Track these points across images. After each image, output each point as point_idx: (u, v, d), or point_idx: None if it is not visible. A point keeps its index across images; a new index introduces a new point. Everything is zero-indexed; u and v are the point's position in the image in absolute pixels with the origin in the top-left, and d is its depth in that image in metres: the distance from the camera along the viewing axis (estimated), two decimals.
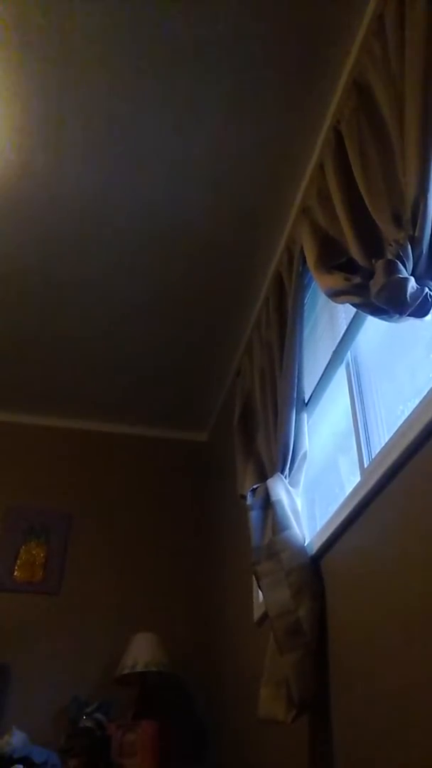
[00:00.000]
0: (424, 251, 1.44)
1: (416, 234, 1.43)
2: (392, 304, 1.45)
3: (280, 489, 2.10)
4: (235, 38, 2.07)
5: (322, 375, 2.27)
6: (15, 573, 3.45)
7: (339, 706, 1.66)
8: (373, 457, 1.83)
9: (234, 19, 2.03)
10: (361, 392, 2.02)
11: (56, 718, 3.08)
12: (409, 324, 1.64)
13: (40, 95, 2.24)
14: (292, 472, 2.16)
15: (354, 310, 2.04)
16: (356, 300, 1.65)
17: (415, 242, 1.44)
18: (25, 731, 2.92)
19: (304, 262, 2.34)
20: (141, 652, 3.06)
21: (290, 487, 2.13)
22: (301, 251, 2.35)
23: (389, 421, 1.84)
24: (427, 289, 1.44)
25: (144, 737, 2.74)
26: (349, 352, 2.14)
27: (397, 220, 1.53)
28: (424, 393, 1.41)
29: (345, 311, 2.14)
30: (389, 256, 1.48)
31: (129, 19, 2.03)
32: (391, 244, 1.49)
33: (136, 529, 3.78)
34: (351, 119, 1.86)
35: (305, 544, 1.98)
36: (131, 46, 2.10)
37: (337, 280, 1.77)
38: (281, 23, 2.03)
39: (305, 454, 2.16)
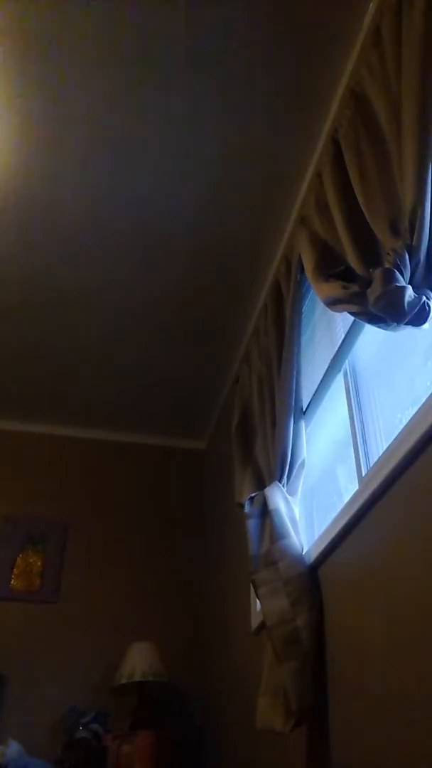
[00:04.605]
0: (422, 260, 1.45)
1: (414, 243, 1.44)
2: (390, 312, 1.46)
3: (278, 497, 2.10)
4: (235, 47, 2.09)
5: (320, 383, 2.27)
6: (12, 582, 3.44)
7: (337, 714, 1.65)
8: (371, 465, 1.83)
9: (233, 29, 2.04)
10: (359, 400, 2.02)
11: (52, 728, 3.06)
12: (407, 332, 1.64)
13: (41, 99, 2.25)
14: (290, 480, 2.15)
15: (352, 318, 2.04)
16: (354, 309, 1.65)
17: (413, 251, 1.44)
18: (20, 742, 2.89)
19: (302, 270, 2.35)
20: (138, 662, 3.04)
21: (288, 496, 2.13)
22: (299, 260, 2.35)
23: (387, 430, 1.84)
24: (424, 298, 1.44)
25: (141, 748, 2.72)
26: (347, 361, 2.14)
27: (395, 229, 1.54)
28: (422, 401, 1.41)
29: (343, 319, 2.14)
30: (387, 265, 1.48)
31: (129, 25, 2.04)
32: (388, 253, 1.50)
33: (133, 538, 3.77)
34: (349, 129, 1.87)
35: (303, 553, 1.97)
36: (131, 51, 2.11)
37: (334, 289, 1.77)
38: (280, 33, 2.05)
39: (303, 463, 2.16)
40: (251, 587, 2.56)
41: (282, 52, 2.10)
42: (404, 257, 1.45)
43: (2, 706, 3.07)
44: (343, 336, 2.11)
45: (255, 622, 2.50)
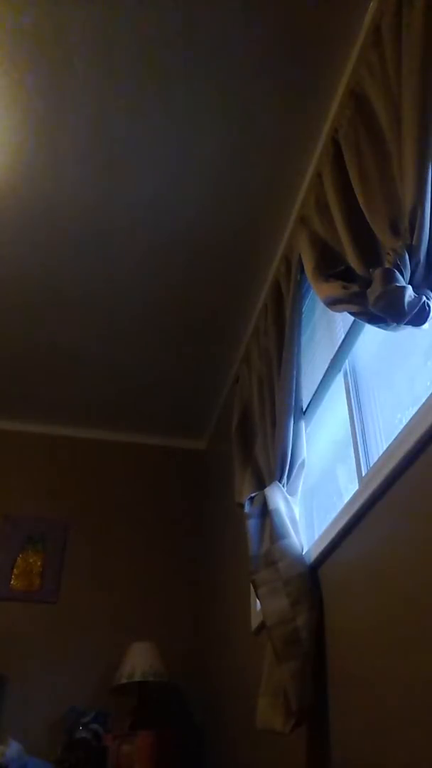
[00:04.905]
0: (422, 260, 1.45)
1: (414, 242, 1.44)
2: (390, 312, 1.46)
3: (278, 497, 2.10)
4: (235, 47, 2.09)
5: (320, 383, 2.27)
6: (12, 582, 3.44)
7: (337, 714, 1.65)
8: (371, 465, 1.83)
9: (232, 29, 2.04)
10: (359, 400, 2.02)
11: (52, 728, 3.06)
12: (407, 332, 1.64)
13: (40, 99, 2.25)
14: (290, 480, 2.15)
15: (352, 318, 2.04)
16: (354, 309, 1.65)
17: (413, 251, 1.44)
18: (20, 742, 2.89)
19: (302, 270, 2.35)
20: (138, 662, 3.04)
21: (288, 496, 2.13)
22: (299, 260, 2.35)
23: (387, 430, 1.84)
24: (424, 298, 1.44)
25: (141, 748, 2.72)
26: (347, 361, 2.14)
27: (395, 229, 1.54)
28: (422, 401, 1.41)
29: (343, 319, 2.14)
30: (387, 265, 1.48)
31: (129, 23, 2.04)
32: (388, 253, 1.50)
33: (133, 538, 3.77)
34: (349, 129, 1.87)
35: (303, 553, 1.97)
36: (131, 51, 2.11)
37: (334, 289, 1.77)
38: (280, 32, 2.05)
39: (303, 463, 2.16)
40: (251, 587, 2.56)
41: (282, 52, 2.10)
42: (404, 257, 1.45)
43: (2, 706, 3.07)
44: (343, 336, 2.11)
45: (255, 622, 2.50)
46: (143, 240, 2.79)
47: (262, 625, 2.38)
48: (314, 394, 2.31)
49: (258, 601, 2.08)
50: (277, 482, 2.15)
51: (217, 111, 2.27)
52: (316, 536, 2.15)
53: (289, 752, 1.98)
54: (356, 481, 1.89)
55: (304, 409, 2.27)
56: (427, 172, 1.42)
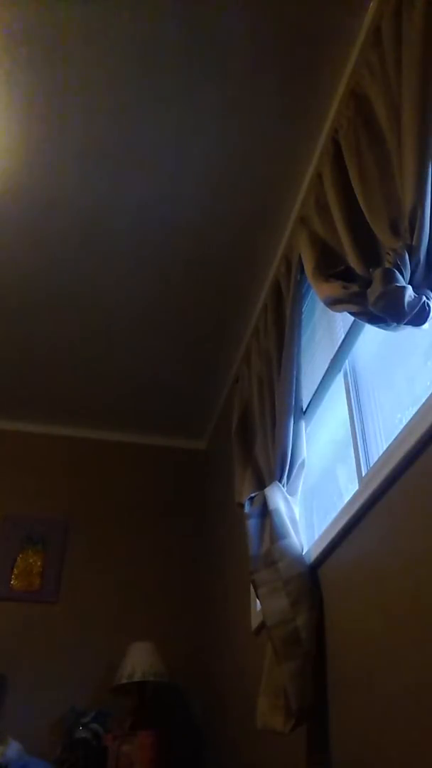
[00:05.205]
0: (422, 260, 1.45)
1: (413, 243, 1.44)
2: (390, 312, 1.46)
3: (278, 497, 2.10)
4: (235, 47, 2.09)
5: (320, 383, 2.27)
6: (12, 582, 3.44)
7: (337, 714, 1.65)
8: (371, 465, 1.83)
9: (233, 29, 2.04)
10: (359, 400, 2.02)
11: (52, 728, 3.06)
12: (407, 332, 1.64)
13: (40, 98, 2.25)
14: (290, 480, 2.15)
15: (352, 318, 2.04)
16: (354, 309, 1.66)
17: (413, 251, 1.44)
18: (21, 742, 2.89)
19: (302, 270, 2.35)
20: (138, 662, 3.04)
21: (288, 496, 2.13)
22: (299, 260, 2.35)
23: (387, 430, 1.84)
24: (424, 298, 1.44)
25: (141, 748, 2.72)
26: (347, 361, 2.14)
27: (395, 229, 1.54)
28: (422, 401, 1.41)
29: (343, 319, 2.14)
30: (387, 265, 1.48)
31: (129, 23, 2.04)
32: (388, 253, 1.50)
33: (133, 538, 3.77)
34: (349, 129, 1.87)
35: (303, 553, 1.97)
36: (131, 51, 2.11)
37: (334, 289, 1.77)
38: (280, 33, 2.05)
39: (303, 463, 2.16)
40: (251, 587, 2.56)
41: (282, 52, 2.10)
42: (404, 257, 1.45)
43: (2, 706, 3.07)
44: (343, 336, 2.11)
45: (255, 622, 2.49)
46: (143, 240, 2.79)
47: (262, 625, 2.38)
48: (314, 394, 2.31)
49: (258, 601, 2.08)
50: (277, 482, 2.15)
51: (217, 111, 2.27)
52: (316, 536, 2.15)
53: (289, 752, 1.98)
54: (356, 481, 1.89)
55: (304, 409, 2.27)
56: (427, 172, 1.42)
